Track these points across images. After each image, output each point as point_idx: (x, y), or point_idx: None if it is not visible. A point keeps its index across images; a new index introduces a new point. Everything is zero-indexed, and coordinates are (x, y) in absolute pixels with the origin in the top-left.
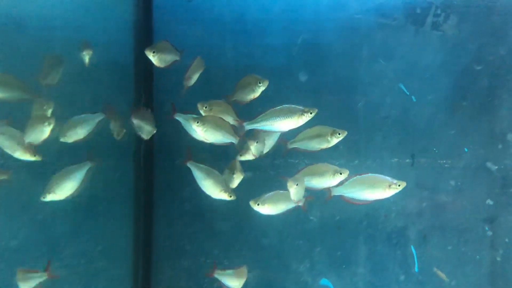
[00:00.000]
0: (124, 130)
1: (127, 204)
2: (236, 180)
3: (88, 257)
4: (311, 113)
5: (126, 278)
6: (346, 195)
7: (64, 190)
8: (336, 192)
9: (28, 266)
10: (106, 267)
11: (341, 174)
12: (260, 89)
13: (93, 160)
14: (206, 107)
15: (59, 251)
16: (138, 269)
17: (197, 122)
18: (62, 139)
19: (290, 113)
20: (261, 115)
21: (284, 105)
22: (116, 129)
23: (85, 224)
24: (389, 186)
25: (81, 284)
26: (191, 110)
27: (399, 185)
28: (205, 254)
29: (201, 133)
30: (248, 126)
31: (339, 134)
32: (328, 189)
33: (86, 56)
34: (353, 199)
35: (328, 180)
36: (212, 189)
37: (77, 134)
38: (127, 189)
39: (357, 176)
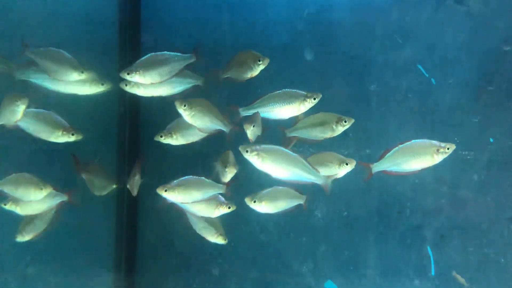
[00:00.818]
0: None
1: (108, 195)
2: (229, 174)
3: (65, 253)
4: (314, 99)
5: (107, 275)
6: (389, 169)
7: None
8: (377, 169)
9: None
10: (85, 265)
11: (347, 164)
12: (259, 68)
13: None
14: (185, 106)
15: (34, 245)
16: (121, 268)
17: (184, 106)
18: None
19: (291, 98)
20: (258, 100)
21: (284, 89)
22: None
23: (62, 217)
24: (437, 150)
25: (56, 283)
26: None
27: (448, 148)
28: (196, 252)
29: (188, 117)
30: (243, 112)
31: (345, 122)
32: (368, 167)
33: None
34: (398, 172)
35: (333, 171)
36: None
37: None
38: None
39: (399, 145)
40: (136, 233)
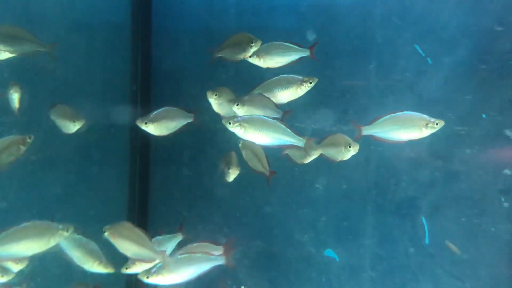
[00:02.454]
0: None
1: (121, 167)
2: (232, 175)
3: (80, 222)
4: (310, 83)
5: None
6: (377, 135)
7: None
8: (366, 131)
9: None
10: (99, 234)
11: (350, 147)
12: (251, 49)
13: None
14: (216, 95)
15: (50, 214)
16: None
17: (215, 95)
18: None
19: (288, 83)
20: (258, 87)
21: (281, 75)
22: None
23: (77, 187)
24: (426, 124)
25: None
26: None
27: (437, 124)
28: (204, 221)
29: (215, 106)
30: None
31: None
32: (359, 128)
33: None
34: (385, 139)
35: (340, 152)
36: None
37: None
38: (122, 151)
39: (391, 114)
40: (147, 204)
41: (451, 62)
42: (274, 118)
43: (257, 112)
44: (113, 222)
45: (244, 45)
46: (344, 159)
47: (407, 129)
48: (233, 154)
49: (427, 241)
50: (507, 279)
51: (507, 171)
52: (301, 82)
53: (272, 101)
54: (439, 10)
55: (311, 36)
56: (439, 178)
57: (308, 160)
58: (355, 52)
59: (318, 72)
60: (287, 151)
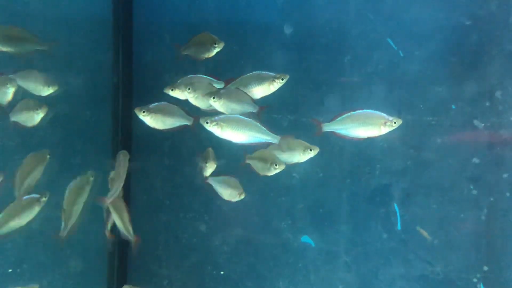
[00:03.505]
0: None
1: (104, 156)
2: (209, 169)
3: None
4: (282, 79)
5: (101, 232)
6: (337, 131)
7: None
8: (327, 128)
9: None
10: (81, 222)
11: (311, 150)
12: (215, 50)
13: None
14: (214, 98)
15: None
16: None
17: (213, 98)
18: None
19: (260, 79)
20: (233, 83)
21: (254, 72)
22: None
23: (59, 177)
24: (384, 123)
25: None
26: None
27: (395, 122)
28: (185, 209)
29: (219, 109)
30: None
31: (311, 150)
32: (319, 124)
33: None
34: (345, 136)
35: (297, 156)
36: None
37: None
38: (104, 141)
39: (351, 112)
40: (129, 193)
41: (422, 55)
42: (250, 113)
43: (233, 106)
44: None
45: (208, 46)
46: (269, 174)
47: (367, 126)
48: (210, 150)
49: (399, 227)
50: (475, 263)
51: (475, 160)
52: (273, 79)
53: (248, 95)
54: (411, 5)
55: (288, 30)
56: (411, 166)
57: (272, 173)
58: (330, 45)
59: (295, 64)
60: (248, 161)
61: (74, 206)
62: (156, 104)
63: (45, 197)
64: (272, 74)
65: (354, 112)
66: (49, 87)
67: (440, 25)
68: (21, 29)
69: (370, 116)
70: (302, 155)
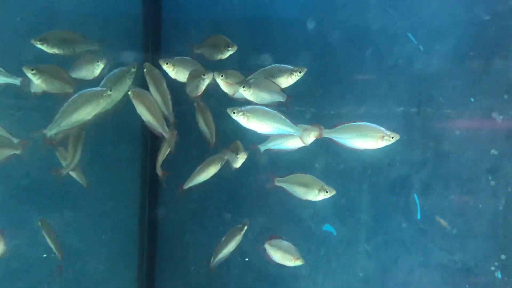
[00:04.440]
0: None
1: (134, 146)
2: (241, 160)
3: (96, 198)
4: (300, 72)
5: (133, 218)
6: (336, 139)
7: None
8: (327, 135)
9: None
10: (114, 208)
11: (327, 192)
12: (228, 53)
13: None
14: (243, 87)
15: (67, 190)
16: (145, 209)
17: (243, 87)
18: None
19: (279, 72)
20: (252, 75)
21: (273, 65)
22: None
23: (92, 165)
24: (382, 137)
25: (89, 223)
26: None
27: (392, 137)
28: (210, 198)
29: (249, 97)
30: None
31: (327, 192)
32: (320, 129)
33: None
34: (343, 145)
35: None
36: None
37: None
38: (134, 131)
39: (351, 122)
40: (158, 182)
41: (442, 49)
42: (278, 102)
43: (263, 95)
44: (126, 199)
45: (221, 48)
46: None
47: (365, 138)
48: (238, 142)
49: (419, 216)
50: (492, 251)
51: (494, 151)
52: (292, 72)
53: (277, 85)
54: (430, 0)
55: (310, 25)
56: (430, 158)
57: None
58: (351, 40)
59: (317, 59)
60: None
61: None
62: (179, 57)
63: (110, 91)
64: (291, 67)
65: (354, 123)
66: (98, 62)
67: (459, 20)
68: (71, 32)
69: (369, 129)
70: (317, 195)
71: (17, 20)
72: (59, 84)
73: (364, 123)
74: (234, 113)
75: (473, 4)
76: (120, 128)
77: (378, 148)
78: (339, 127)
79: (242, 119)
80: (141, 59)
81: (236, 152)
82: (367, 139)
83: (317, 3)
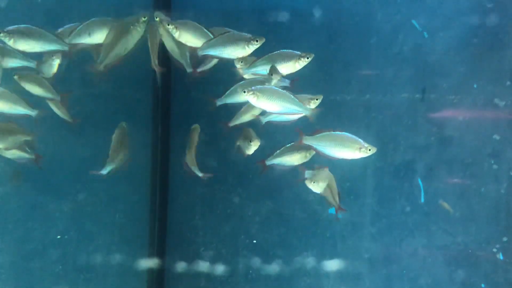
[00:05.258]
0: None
1: (145, 131)
2: (254, 147)
3: (107, 182)
4: (308, 58)
5: (144, 202)
6: (315, 146)
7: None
8: (306, 141)
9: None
10: (126, 192)
11: (370, 150)
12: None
13: None
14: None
15: (80, 174)
16: (156, 194)
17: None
18: None
19: (287, 57)
20: (259, 60)
21: (281, 50)
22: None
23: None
24: (360, 149)
25: (102, 205)
26: None
27: (369, 150)
28: (219, 182)
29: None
30: (247, 71)
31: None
32: (301, 135)
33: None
34: (321, 152)
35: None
36: None
37: None
38: (145, 116)
39: (331, 131)
40: (168, 168)
41: (445, 36)
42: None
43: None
44: (137, 183)
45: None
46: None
47: (342, 148)
48: (251, 129)
49: (422, 200)
50: (494, 234)
51: (496, 136)
52: (299, 57)
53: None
54: None
55: (317, 13)
56: (434, 142)
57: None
58: (357, 27)
59: (323, 46)
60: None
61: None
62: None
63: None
64: (298, 52)
65: (333, 132)
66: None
67: (463, 7)
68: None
69: (347, 140)
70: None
71: None
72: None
73: (343, 133)
74: (244, 92)
75: None
76: (130, 113)
77: (383, 132)
78: (319, 135)
79: (252, 98)
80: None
81: (250, 139)
82: (344, 149)
83: None
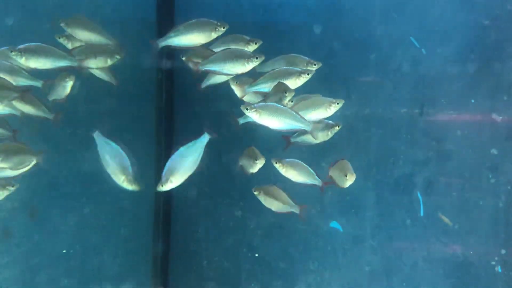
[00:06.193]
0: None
1: (149, 146)
2: (259, 165)
3: (112, 196)
4: (308, 74)
5: (148, 215)
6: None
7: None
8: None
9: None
10: (130, 205)
11: (338, 104)
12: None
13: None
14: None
15: (86, 188)
16: (160, 207)
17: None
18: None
19: (288, 74)
20: (260, 78)
21: (282, 67)
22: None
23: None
24: (329, 105)
25: (107, 219)
26: None
27: (337, 103)
28: (222, 196)
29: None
30: (249, 89)
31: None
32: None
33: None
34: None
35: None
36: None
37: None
38: (149, 132)
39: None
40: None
41: (443, 53)
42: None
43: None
44: (141, 197)
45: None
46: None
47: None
48: (254, 148)
49: (422, 213)
50: (493, 247)
51: (494, 151)
52: (300, 74)
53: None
54: (432, 5)
55: (317, 29)
56: (433, 157)
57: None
58: (356, 43)
59: (323, 62)
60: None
61: None
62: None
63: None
64: (299, 69)
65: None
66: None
67: (460, 24)
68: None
69: (317, 101)
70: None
71: None
72: None
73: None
74: (247, 109)
75: (473, 9)
76: (135, 128)
77: (383, 146)
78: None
79: (255, 115)
80: (156, 62)
81: (255, 158)
82: (319, 111)
83: (324, 7)
